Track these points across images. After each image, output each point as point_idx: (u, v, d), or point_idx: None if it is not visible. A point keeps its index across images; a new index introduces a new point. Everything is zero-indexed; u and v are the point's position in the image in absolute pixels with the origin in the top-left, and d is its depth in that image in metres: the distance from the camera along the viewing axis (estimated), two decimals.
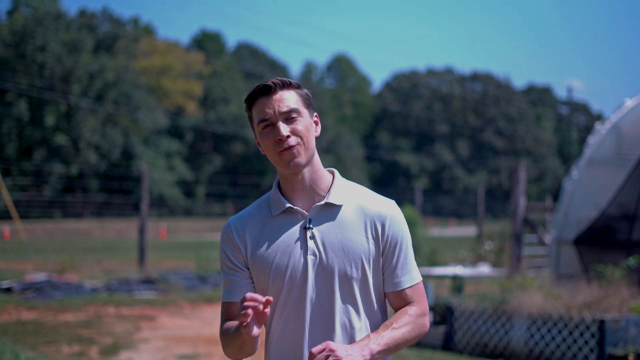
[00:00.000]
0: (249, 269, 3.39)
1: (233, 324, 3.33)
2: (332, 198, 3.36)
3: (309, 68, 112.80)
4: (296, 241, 3.31)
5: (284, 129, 3.27)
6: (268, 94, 3.35)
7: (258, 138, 3.39)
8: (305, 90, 3.46)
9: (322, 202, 3.35)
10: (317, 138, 3.44)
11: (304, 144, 3.31)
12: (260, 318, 3.10)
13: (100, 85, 67.48)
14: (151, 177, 54.20)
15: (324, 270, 3.30)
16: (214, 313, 17.36)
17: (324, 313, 3.32)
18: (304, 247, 3.31)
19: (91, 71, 66.23)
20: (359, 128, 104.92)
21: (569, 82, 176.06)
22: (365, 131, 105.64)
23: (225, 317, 3.41)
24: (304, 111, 3.38)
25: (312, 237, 3.31)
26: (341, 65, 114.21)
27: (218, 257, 22.89)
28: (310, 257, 3.29)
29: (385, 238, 3.37)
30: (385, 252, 3.39)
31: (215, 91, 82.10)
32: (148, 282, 19.97)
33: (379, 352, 3.26)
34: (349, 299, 3.34)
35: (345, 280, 3.32)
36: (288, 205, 3.35)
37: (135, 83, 70.49)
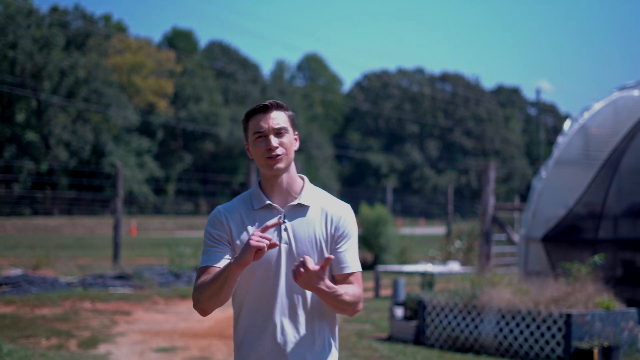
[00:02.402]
0: (231, 247, 4.10)
1: (215, 269, 4.00)
2: (302, 199, 4.14)
3: (280, 67, 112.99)
4: (272, 231, 4.06)
5: (275, 141, 4.05)
6: (265, 112, 4.10)
7: (250, 145, 4.13)
8: (291, 112, 4.22)
9: (295, 202, 4.13)
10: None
11: (287, 154, 4.09)
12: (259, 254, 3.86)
13: (72, 82, 67.36)
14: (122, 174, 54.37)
15: (294, 256, 4.06)
16: (188, 308, 17.61)
17: (294, 289, 4.08)
18: (279, 236, 4.07)
19: (62, 68, 66.09)
20: (330, 127, 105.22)
21: (538, 84, 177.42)
22: (335, 130, 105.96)
23: (203, 276, 4.03)
24: (290, 129, 4.15)
25: (286, 230, 4.08)
26: (312, 65, 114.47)
27: (191, 254, 23.06)
28: (283, 245, 4.06)
29: (338, 232, 4.16)
30: (337, 242, 4.16)
31: (186, 89, 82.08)
32: (123, 277, 20.16)
33: (329, 288, 3.94)
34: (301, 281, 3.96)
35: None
36: (268, 202, 4.11)
37: (107, 80, 70.39)
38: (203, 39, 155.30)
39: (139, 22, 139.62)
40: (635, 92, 16.46)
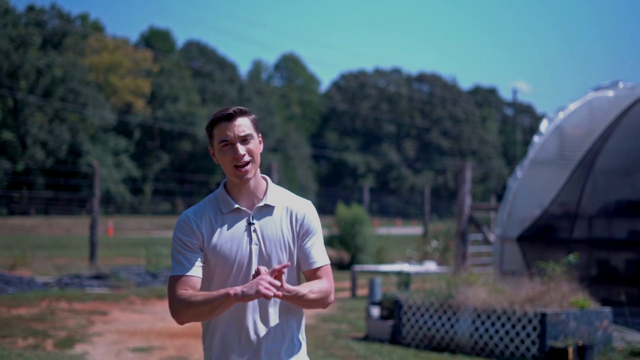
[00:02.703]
0: (202, 253, 4.16)
1: (206, 293, 4.02)
2: (268, 200, 4.24)
3: (257, 67, 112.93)
4: (242, 234, 4.16)
5: (242, 149, 4.12)
6: (229, 120, 4.17)
7: (216, 152, 4.20)
8: (254, 116, 4.30)
9: (262, 204, 4.22)
10: (265, 138, 4.23)
11: (254, 161, 4.17)
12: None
13: (48, 81, 67.15)
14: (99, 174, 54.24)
15: (264, 256, 4.17)
16: (165, 308, 17.60)
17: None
18: (249, 238, 4.17)
19: (39, 67, 65.87)
20: (307, 127, 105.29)
21: (515, 84, 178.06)
22: (313, 130, 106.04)
23: (183, 287, 4.09)
24: (255, 134, 4.21)
25: (255, 231, 4.17)
26: (289, 65, 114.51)
27: (168, 254, 23.04)
28: (254, 246, 4.16)
29: (303, 229, 4.27)
30: (303, 239, 4.27)
31: (163, 89, 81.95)
32: (99, 277, 20.14)
33: (290, 292, 4.06)
34: (280, 277, 4.07)
35: (279, 263, 4.14)
36: (236, 206, 4.18)
37: (84, 80, 70.19)
38: (180, 38, 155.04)
39: (116, 22, 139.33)
40: (610, 93, 16.59)
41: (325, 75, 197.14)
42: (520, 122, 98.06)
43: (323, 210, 76.73)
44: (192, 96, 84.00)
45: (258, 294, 3.87)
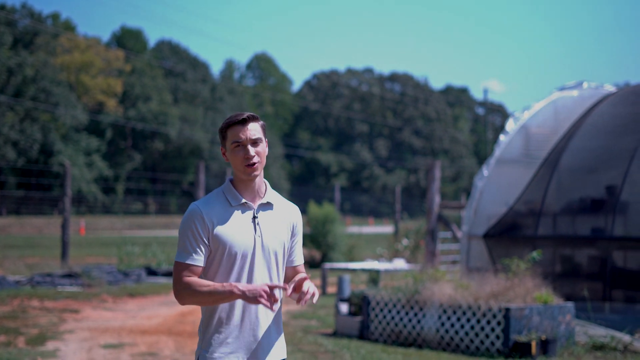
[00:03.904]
0: (208, 244, 4.55)
1: (212, 285, 4.45)
2: (269, 198, 4.70)
3: (229, 66, 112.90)
4: (248, 225, 4.58)
5: (252, 151, 4.55)
6: (243, 124, 4.58)
7: (228, 152, 4.62)
8: (263, 122, 4.71)
9: (264, 201, 4.67)
10: None
11: (261, 162, 4.62)
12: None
13: (19, 81, 66.89)
14: (71, 173, 54.18)
15: (264, 248, 4.60)
16: (136, 306, 17.75)
17: (263, 277, 4.63)
18: (253, 230, 4.58)
19: (10, 66, 65.62)
20: (279, 126, 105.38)
21: (487, 84, 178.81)
22: (285, 130, 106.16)
23: (188, 274, 4.53)
24: (263, 138, 4.65)
25: (258, 224, 4.60)
26: (262, 64, 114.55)
27: (140, 253, 23.13)
28: (257, 238, 4.57)
29: (295, 229, 4.80)
30: (292, 238, 4.80)
31: (135, 88, 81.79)
32: (71, 276, 20.23)
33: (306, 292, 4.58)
34: (274, 268, 4.69)
35: (275, 255, 4.66)
36: (244, 200, 4.61)
37: (55, 79, 69.97)
38: (152, 38, 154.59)
39: (88, 21, 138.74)
40: (575, 93, 16.89)
41: (298, 75, 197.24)
42: (491, 121, 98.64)
43: None
44: (164, 96, 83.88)
45: (256, 302, 4.38)
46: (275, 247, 4.64)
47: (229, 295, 4.41)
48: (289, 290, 4.47)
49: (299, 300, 4.48)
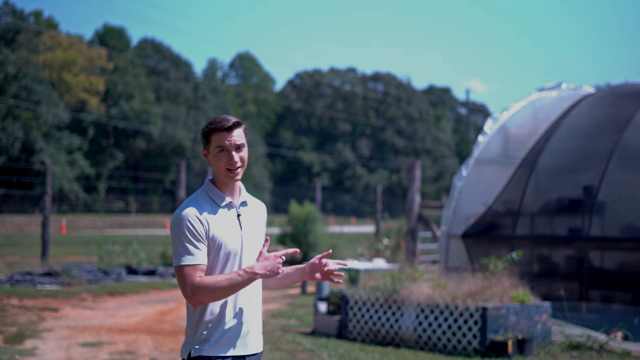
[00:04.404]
0: (206, 242, 4.64)
1: (229, 276, 4.56)
2: (245, 197, 4.85)
3: (212, 65, 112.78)
4: (234, 224, 4.70)
5: (236, 156, 4.67)
6: (229, 130, 4.68)
7: (212, 155, 4.72)
8: (245, 125, 4.84)
9: (243, 199, 4.82)
10: None
11: (243, 166, 4.74)
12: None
13: (1, 78, 66.63)
14: (52, 172, 53.98)
15: (249, 244, 4.73)
16: (116, 305, 17.76)
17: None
18: (239, 228, 4.71)
19: None
20: (262, 126, 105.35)
21: (469, 84, 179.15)
22: (268, 129, 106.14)
23: (198, 274, 4.58)
24: (246, 143, 4.78)
25: (241, 222, 4.73)
26: (245, 63, 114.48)
27: (120, 251, 23.12)
28: (242, 235, 4.70)
29: (265, 224, 4.97)
30: (264, 233, 4.95)
31: (118, 87, 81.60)
32: (51, 274, 20.20)
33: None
34: (253, 259, 4.77)
35: (256, 250, 4.78)
36: (230, 200, 4.74)
37: (37, 77, 69.74)
38: (135, 36, 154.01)
39: (70, 19, 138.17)
40: (554, 94, 17.00)
41: (281, 74, 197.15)
42: (473, 121, 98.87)
43: (278, 208, 76.83)
44: (147, 94, 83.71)
45: (277, 274, 4.63)
46: (256, 243, 4.78)
47: (249, 281, 4.57)
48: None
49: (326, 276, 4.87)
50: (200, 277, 4.54)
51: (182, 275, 4.54)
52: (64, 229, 49.91)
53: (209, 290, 4.51)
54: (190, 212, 4.59)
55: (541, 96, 17.15)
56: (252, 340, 4.72)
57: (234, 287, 4.54)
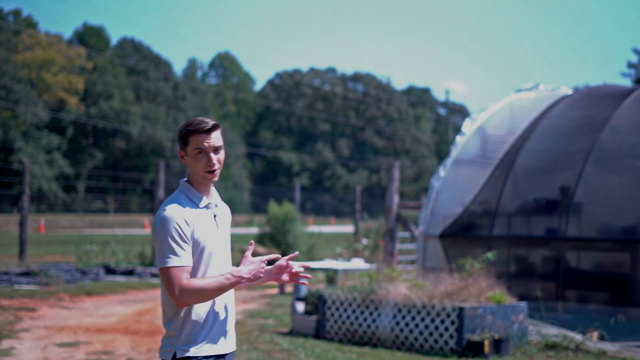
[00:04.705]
0: (191, 243, 4.68)
1: (217, 279, 4.62)
2: (217, 198, 4.91)
3: (192, 65, 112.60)
4: (212, 224, 4.75)
5: (214, 159, 4.72)
6: (207, 132, 4.71)
7: (189, 157, 4.74)
8: (222, 128, 4.90)
9: (216, 200, 4.87)
10: None
11: (220, 167, 4.81)
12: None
13: None
14: (31, 171, 53.69)
15: (223, 243, 4.82)
16: (94, 304, 17.71)
17: (224, 268, 4.79)
18: (216, 228, 4.77)
19: None
20: (242, 125, 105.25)
21: (449, 84, 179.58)
22: (247, 129, 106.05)
23: (186, 276, 4.60)
24: (223, 145, 4.84)
25: (217, 223, 4.79)
26: (225, 63, 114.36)
27: (98, 251, 23.04)
28: (219, 234, 4.78)
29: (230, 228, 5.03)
30: None
31: (97, 86, 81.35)
32: (28, 274, 20.13)
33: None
34: (228, 259, 4.88)
35: (227, 250, 4.88)
36: (208, 201, 4.79)
37: (16, 76, 69.45)
38: (114, 36, 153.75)
39: (49, 18, 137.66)
40: (532, 95, 17.07)
41: (261, 74, 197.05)
42: (453, 122, 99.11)
43: (257, 208, 76.78)
44: (126, 94, 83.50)
45: (258, 279, 4.80)
46: (228, 241, 4.89)
47: (235, 284, 4.65)
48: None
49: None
50: (187, 279, 4.56)
51: (169, 276, 4.54)
52: (42, 228, 49.74)
53: (198, 293, 4.55)
54: (176, 214, 4.61)
55: (519, 97, 17.23)
56: (230, 338, 4.78)
57: (220, 290, 4.60)
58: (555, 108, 16.82)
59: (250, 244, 4.82)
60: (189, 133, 4.71)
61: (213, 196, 4.86)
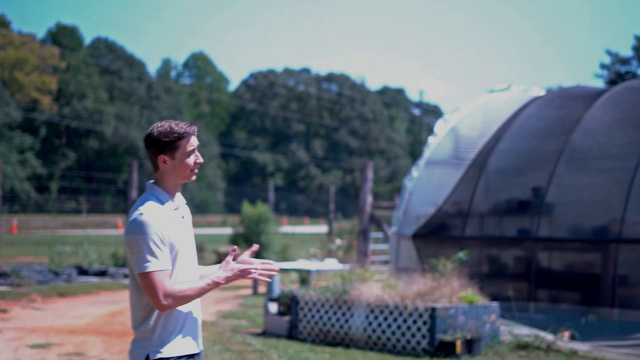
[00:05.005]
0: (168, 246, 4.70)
1: (198, 284, 4.64)
2: (183, 199, 4.91)
3: (166, 65, 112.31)
4: (182, 226, 4.75)
5: (201, 156, 4.85)
6: (195, 134, 4.83)
7: (177, 160, 4.76)
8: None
9: (183, 201, 4.90)
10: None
11: None
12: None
13: None
14: (3, 171, 53.41)
15: (191, 244, 4.82)
16: (66, 305, 17.65)
17: (194, 269, 4.84)
18: (185, 229, 4.77)
19: None
20: (216, 126, 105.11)
21: (423, 85, 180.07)
22: (221, 129, 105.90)
23: (168, 280, 4.60)
24: None
25: (185, 224, 4.81)
26: (199, 63, 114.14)
27: (71, 252, 22.97)
28: (188, 235, 4.78)
29: None
30: None
31: (70, 86, 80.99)
32: (0, 275, 20.04)
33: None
34: (195, 260, 4.90)
35: (195, 248, 4.90)
36: (177, 203, 4.80)
37: None
38: (88, 35, 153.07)
39: (23, 18, 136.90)
40: (504, 96, 17.14)
41: (235, 74, 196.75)
42: (427, 122, 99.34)
43: (231, 209, 76.71)
44: (100, 94, 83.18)
45: (242, 277, 4.77)
46: (194, 242, 4.89)
47: (214, 288, 4.70)
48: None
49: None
50: (170, 283, 4.57)
51: (152, 281, 4.52)
52: (15, 229, 49.51)
53: (182, 298, 4.57)
54: (154, 217, 4.59)
55: (492, 98, 17.30)
56: (199, 338, 4.80)
57: (201, 294, 4.64)
58: (527, 109, 16.90)
59: (233, 250, 4.79)
60: (182, 136, 4.76)
61: (179, 197, 4.87)
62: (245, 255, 4.88)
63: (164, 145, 4.75)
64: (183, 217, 4.80)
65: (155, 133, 4.74)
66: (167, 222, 4.62)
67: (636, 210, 14.03)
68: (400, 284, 13.03)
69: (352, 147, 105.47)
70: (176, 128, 4.77)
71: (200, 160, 4.80)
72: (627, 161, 14.44)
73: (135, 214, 4.61)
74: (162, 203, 4.70)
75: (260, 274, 4.79)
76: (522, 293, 14.69)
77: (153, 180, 4.84)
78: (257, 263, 4.88)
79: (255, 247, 4.94)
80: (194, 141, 4.79)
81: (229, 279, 4.70)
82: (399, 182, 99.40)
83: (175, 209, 4.74)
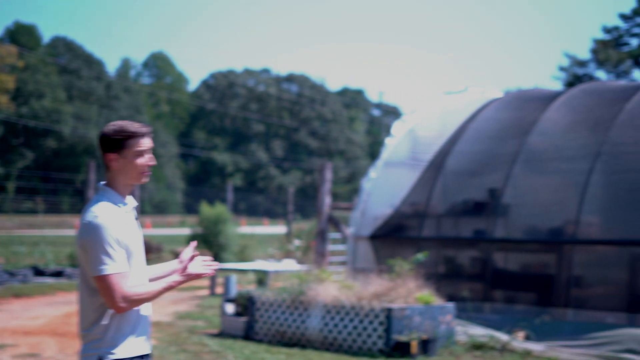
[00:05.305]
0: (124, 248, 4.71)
1: (160, 284, 4.71)
2: (133, 200, 4.90)
3: (126, 64, 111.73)
4: (135, 227, 4.76)
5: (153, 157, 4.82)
6: (149, 135, 4.80)
7: (126, 160, 4.74)
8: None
9: (134, 202, 4.86)
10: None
11: None
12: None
13: None
14: None
15: (140, 244, 4.80)
16: (21, 306, 17.52)
17: (144, 268, 4.85)
18: (137, 230, 4.78)
19: None
20: (175, 126, 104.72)
21: (382, 86, 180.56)
22: (181, 129, 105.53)
23: (128, 282, 4.59)
24: None
25: (137, 225, 4.82)
26: (158, 63, 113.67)
27: (27, 252, 22.84)
28: (139, 236, 4.78)
29: None
30: None
31: (28, 85, 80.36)
32: None
33: None
34: (144, 260, 4.89)
35: (142, 251, 4.86)
36: (130, 205, 4.80)
37: None
38: (46, 34, 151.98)
39: None
40: (462, 97, 17.23)
41: (194, 74, 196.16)
42: (386, 123, 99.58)
43: (190, 209, 76.43)
44: (58, 93, 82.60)
45: (198, 277, 4.86)
46: (142, 242, 4.89)
47: (174, 286, 4.76)
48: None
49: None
50: (129, 284, 4.57)
51: (109, 283, 4.50)
52: None
53: (140, 300, 4.59)
54: (109, 219, 4.57)
55: (449, 100, 17.38)
56: (149, 339, 4.82)
57: (158, 296, 4.68)
58: (484, 111, 17.00)
59: (193, 246, 4.90)
60: (131, 135, 4.73)
61: (130, 199, 4.86)
62: (188, 252, 4.93)
63: (114, 143, 4.73)
64: (136, 217, 4.81)
65: (107, 131, 4.74)
66: (122, 224, 4.61)
67: (590, 211, 14.16)
68: (357, 285, 13.07)
69: (311, 147, 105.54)
70: (127, 127, 4.76)
71: (153, 162, 4.79)
72: (582, 163, 14.57)
73: (89, 216, 4.58)
74: (115, 204, 4.67)
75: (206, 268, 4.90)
76: (477, 293, 14.77)
77: (105, 182, 4.80)
78: (199, 261, 4.91)
79: (194, 243, 4.99)
80: (146, 142, 4.76)
81: (183, 283, 4.79)
82: (358, 183, 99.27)
83: (128, 211, 4.74)
